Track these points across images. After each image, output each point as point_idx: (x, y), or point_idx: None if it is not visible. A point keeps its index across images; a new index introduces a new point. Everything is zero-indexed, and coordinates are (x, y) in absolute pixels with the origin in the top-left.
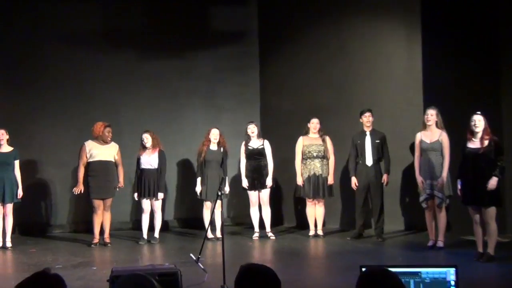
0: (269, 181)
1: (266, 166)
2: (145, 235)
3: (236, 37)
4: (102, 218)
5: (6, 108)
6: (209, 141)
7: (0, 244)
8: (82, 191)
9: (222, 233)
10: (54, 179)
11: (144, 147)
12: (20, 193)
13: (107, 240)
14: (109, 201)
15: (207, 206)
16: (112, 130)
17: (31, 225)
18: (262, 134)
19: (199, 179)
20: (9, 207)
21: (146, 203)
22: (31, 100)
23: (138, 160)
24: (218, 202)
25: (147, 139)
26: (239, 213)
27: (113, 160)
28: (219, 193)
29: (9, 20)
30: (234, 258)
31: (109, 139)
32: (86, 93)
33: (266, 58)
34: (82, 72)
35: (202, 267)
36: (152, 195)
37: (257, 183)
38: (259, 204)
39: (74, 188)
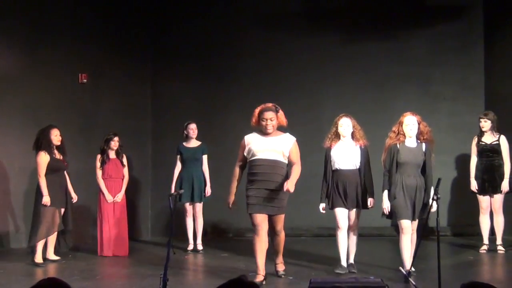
0: (505, 185)
1: (501, 166)
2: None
3: (456, 12)
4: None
5: (198, 101)
6: (402, 134)
7: (192, 247)
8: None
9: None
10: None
11: (336, 138)
12: (208, 190)
13: None
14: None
15: None
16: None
17: (220, 227)
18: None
19: None
20: (199, 206)
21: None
22: (223, 91)
23: (327, 157)
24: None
25: (349, 126)
26: (460, 221)
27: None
28: (435, 197)
29: (206, 6)
30: (453, 275)
31: (268, 130)
32: (284, 81)
33: (493, 36)
34: (280, 58)
35: (413, 283)
36: (351, 205)
37: (488, 186)
38: (491, 211)
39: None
